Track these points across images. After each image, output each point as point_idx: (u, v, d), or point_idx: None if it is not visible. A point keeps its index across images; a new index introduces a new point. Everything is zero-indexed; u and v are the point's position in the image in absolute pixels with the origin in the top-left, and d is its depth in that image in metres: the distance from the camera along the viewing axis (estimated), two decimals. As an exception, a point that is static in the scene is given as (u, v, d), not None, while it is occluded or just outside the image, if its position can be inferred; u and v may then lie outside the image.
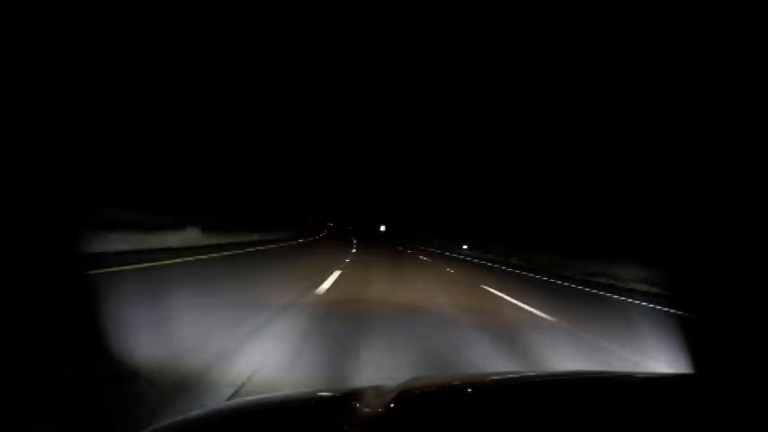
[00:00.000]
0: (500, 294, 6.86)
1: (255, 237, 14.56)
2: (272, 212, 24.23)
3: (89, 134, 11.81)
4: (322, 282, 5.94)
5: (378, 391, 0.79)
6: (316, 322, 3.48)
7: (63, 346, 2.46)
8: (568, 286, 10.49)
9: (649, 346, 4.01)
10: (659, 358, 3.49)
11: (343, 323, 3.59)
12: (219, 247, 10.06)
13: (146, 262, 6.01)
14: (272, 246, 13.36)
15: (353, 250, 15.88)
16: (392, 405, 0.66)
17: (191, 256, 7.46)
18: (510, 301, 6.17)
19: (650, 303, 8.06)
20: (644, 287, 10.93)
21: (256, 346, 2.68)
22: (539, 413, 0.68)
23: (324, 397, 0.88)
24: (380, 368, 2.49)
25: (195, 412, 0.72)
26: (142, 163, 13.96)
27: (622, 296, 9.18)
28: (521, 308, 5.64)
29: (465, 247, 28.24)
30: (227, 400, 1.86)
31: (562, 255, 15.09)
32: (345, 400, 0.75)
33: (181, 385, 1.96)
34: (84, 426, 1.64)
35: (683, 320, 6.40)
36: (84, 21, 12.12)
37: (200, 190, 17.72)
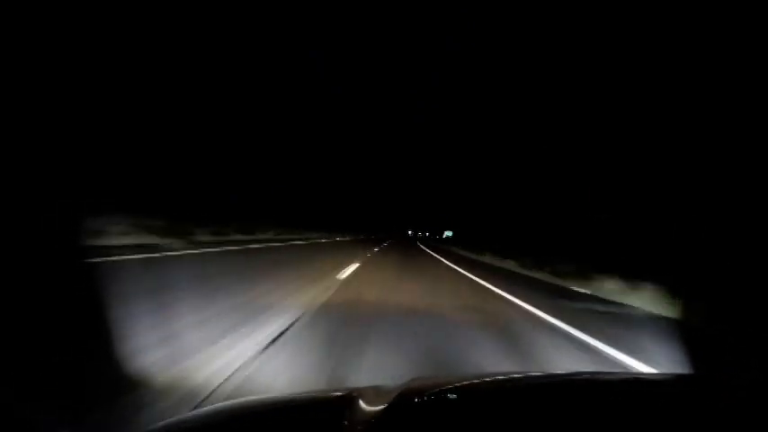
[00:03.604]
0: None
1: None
2: (270, 213, 24.30)
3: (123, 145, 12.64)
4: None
5: (378, 391, 0.79)
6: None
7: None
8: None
9: None
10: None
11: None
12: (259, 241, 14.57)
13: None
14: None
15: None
16: (392, 405, 0.66)
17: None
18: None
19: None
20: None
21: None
22: (539, 413, 0.68)
23: (324, 397, 0.88)
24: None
25: (195, 412, 0.72)
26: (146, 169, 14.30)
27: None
28: None
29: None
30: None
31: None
32: (345, 401, 0.75)
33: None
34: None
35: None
36: (86, 21, 12.13)
37: (203, 191, 17.76)
